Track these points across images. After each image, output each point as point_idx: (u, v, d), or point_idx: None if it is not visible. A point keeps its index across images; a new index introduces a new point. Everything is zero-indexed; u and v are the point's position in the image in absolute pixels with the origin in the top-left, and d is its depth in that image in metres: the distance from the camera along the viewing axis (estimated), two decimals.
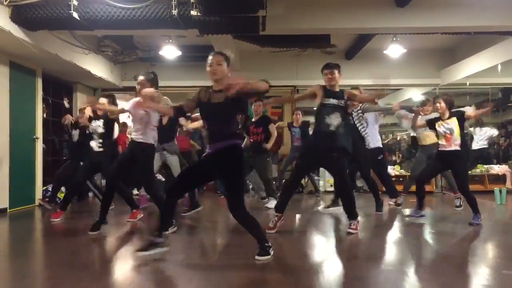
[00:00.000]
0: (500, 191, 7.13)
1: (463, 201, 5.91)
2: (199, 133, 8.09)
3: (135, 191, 7.43)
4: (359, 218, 4.70)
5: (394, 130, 13.00)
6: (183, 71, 9.30)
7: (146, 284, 3.10)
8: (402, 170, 9.35)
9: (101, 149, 5.38)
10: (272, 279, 3.14)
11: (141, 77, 4.50)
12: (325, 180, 9.00)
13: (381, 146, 6.42)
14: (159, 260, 3.48)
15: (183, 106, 3.61)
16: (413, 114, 5.62)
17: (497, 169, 9.36)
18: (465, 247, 4.30)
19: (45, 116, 7.79)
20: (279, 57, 9.03)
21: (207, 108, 3.47)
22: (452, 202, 6.48)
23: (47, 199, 6.88)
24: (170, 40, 7.89)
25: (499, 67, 8.44)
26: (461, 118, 5.08)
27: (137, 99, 4.60)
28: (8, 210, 6.42)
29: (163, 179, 7.69)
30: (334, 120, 4.45)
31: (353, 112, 5.77)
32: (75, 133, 6.99)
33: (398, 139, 12.92)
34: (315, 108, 4.64)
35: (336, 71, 4.58)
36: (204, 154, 4.06)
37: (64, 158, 8.18)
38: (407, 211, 6.05)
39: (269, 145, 6.60)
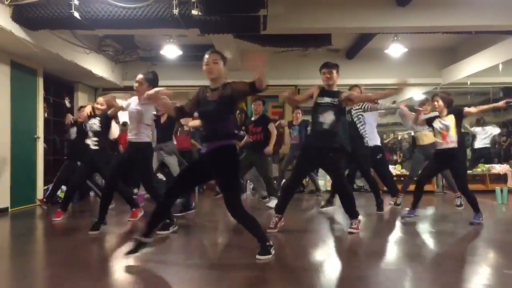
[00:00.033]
0: (501, 190, 7.12)
1: (463, 200, 5.91)
2: (199, 132, 8.07)
3: (135, 191, 7.41)
4: (360, 217, 4.69)
5: (395, 129, 12.97)
6: (184, 71, 9.30)
7: (146, 283, 3.10)
8: (403, 170, 9.35)
9: (96, 147, 5.39)
10: (273, 278, 3.14)
11: (139, 76, 4.51)
12: (326, 180, 8.99)
13: (379, 144, 6.41)
14: (159, 259, 3.48)
15: (184, 106, 3.60)
16: (415, 113, 5.61)
17: (498, 168, 9.34)
18: (466, 246, 4.29)
19: (46, 115, 7.80)
20: (280, 56, 9.02)
21: (203, 107, 3.47)
22: (453, 202, 6.47)
23: (44, 199, 6.89)
24: (171, 40, 7.90)
25: (500, 67, 8.44)
26: (459, 116, 5.06)
27: (135, 98, 4.61)
28: (9, 210, 6.43)
29: (164, 179, 7.67)
30: (327, 118, 4.44)
31: (352, 110, 5.77)
32: (73, 131, 7.00)
33: (399, 138, 12.89)
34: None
35: (334, 71, 4.57)
36: (199, 154, 4.06)
37: (65, 158, 8.18)
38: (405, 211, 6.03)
39: (269, 148, 6.54)
